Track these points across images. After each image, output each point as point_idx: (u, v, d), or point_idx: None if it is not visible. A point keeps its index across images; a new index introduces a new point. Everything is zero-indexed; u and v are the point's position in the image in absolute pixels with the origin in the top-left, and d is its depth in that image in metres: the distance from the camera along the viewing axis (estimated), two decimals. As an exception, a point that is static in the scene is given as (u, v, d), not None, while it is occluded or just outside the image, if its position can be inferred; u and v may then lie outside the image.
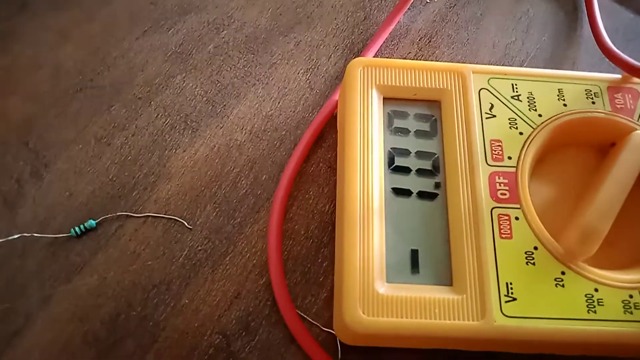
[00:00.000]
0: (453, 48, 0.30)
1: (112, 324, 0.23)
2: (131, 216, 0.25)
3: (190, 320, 0.23)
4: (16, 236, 0.24)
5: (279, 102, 0.28)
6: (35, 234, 0.24)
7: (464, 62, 0.30)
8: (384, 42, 0.29)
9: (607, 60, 0.27)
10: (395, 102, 0.24)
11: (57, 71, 0.28)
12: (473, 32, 0.31)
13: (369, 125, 0.23)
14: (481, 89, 0.24)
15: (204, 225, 0.25)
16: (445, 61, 0.29)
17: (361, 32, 0.30)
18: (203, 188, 0.26)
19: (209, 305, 0.24)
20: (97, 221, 0.25)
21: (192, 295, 0.24)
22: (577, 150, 0.25)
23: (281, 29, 0.30)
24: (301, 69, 0.29)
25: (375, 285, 0.20)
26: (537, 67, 0.30)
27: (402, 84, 0.24)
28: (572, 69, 0.30)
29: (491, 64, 0.30)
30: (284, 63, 0.29)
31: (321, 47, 0.30)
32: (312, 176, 0.26)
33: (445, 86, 0.24)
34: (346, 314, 0.20)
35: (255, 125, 0.27)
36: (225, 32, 0.30)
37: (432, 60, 0.29)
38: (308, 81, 0.29)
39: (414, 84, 0.24)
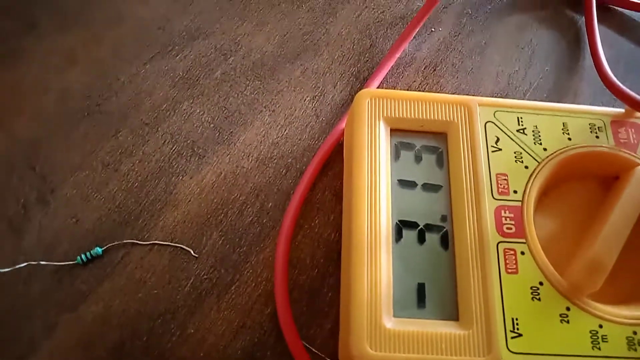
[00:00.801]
0: (457, 77, 0.30)
1: (117, 353, 0.23)
2: (137, 244, 0.25)
3: (196, 350, 0.23)
4: (22, 265, 0.24)
5: (285, 130, 0.28)
6: (41, 262, 0.24)
7: (468, 91, 0.30)
8: (389, 70, 0.30)
9: (608, 91, 0.28)
10: (402, 134, 0.25)
11: (64, 94, 0.28)
12: (477, 61, 0.31)
13: (376, 156, 0.23)
14: (487, 121, 0.25)
15: (210, 253, 0.25)
16: (450, 90, 0.30)
17: (367, 60, 0.30)
18: (209, 216, 0.26)
19: (214, 335, 0.24)
20: (103, 248, 0.25)
21: (197, 324, 0.24)
22: (580, 183, 0.25)
23: (288, 56, 0.30)
24: (307, 97, 0.29)
25: (382, 320, 0.20)
26: (540, 97, 0.30)
27: (409, 116, 0.24)
28: (574, 100, 0.30)
29: (494, 94, 0.30)
30: (291, 90, 0.29)
31: (327, 74, 0.30)
32: (318, 204, 0.26)
33: (452, 118, 0.25)
34: (353, 349, 0.20)
35: (262, 153, 0.27)
36: (232, 58, 0.30)
37: (436, 89, 0.30)
38: (314, 109, 0.29)
39: (420, 116, 0.24)
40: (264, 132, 0.28)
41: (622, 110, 0.26)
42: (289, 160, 0.27)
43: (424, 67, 0.30)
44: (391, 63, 0.30)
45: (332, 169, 0.27)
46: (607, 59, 0.29)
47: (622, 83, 0.27)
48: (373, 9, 0.32)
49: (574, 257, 0.22)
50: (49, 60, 0.29)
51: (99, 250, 0.24)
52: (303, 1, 0.32)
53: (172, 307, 0.24)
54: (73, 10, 0.31)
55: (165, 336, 0.23)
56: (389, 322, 0.20)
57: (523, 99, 0.30)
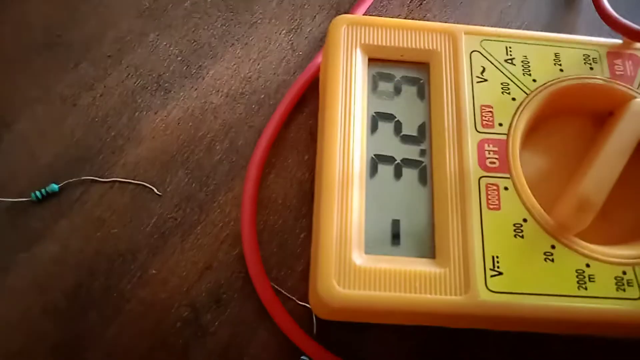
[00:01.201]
0: (445, 12, 0.28)
1: (74, 295, 0.22)
2: (97, 181, 0.23)
3: (158, 291, 0.22)
4: (-29, 199, 0.22)
5: (258, 64, 0.26)
6: (-8, 197, 0.23)
7: (457, 26, 0.28)
8: (372, 2, 0.28)
9: (607, 27, 0.26)
10: (381, 64, 0.23)
11: (21, 25, 0.26)
12: (467, -5, 0.29)
13: (352, 88, 0.22)
14: (473, 51, 0.23)
15: (175, 192, 0.23)
16: (437, 25, 0.28)
17: (349, -8, 0.28)
18: (175, 153, 0.24)
19: (177, 276, 0.22)
20: (60, 185, 0.23)
21: (160, 265, 0.22)
22: (573, 118, 0.23)
23: (263, -14, 0.28)
24: (283, 29, 0.27)
25: (352, 257, 0.19)
26: (534, 33, 0.28)
27: (388, 44, 0.23)
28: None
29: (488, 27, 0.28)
30: (265, 23, 0.27)
31: (305, 6, 0.28)
32: (292, 143, 0.25)
33: (435, 47, 0.23)
34: (320, 287, 0.19)
35: (233, 88, 0.26)
36: (203, -12, 0.28)
37: (422, 24, 0.28)
38: (290, 42, 0.27)
39: (401, 44, 0.23)
40: (235, 66, 0.26)
41: (619, 41, 0.24)
42: (262, 96, 0.26)
43: (409, 0, 0.28)
44: (374, -5, 0.28)
45: (308, 106, 0.26)
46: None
47: (624, 17, 0.25)
48: (357, -61, 0.30)
49: (562, 194, 0.21)
50: (7, -11, 0.27)
51: (54, 187, 0.23)
52: None
53: (133, 247, 0.22)
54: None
55: (125, 277, 0.22)
56: (360, 259, 0.19)
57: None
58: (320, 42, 0.27)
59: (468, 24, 0.28)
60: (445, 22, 0.28)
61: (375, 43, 0.23)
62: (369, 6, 0.28)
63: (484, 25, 0.28)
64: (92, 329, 0.21)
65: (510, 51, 0.23)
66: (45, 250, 0.22)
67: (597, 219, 0.20)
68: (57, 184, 0.23)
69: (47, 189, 0.23)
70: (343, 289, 0.18)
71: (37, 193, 0.23)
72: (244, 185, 0.23)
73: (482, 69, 0.22)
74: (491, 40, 0.23)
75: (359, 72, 0.22)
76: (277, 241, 0.23)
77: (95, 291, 0.22)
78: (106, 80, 0.25)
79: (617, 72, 0.23)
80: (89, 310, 0.21)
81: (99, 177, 0.23)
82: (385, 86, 0.22)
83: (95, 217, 0.23)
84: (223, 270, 0.22)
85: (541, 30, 0.28)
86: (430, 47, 0.23)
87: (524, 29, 0.28)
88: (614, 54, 0.23)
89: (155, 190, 0.23)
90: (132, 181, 0.23)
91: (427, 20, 0.28)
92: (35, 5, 0.27)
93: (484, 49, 0.23)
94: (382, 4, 0.28)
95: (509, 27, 0.28)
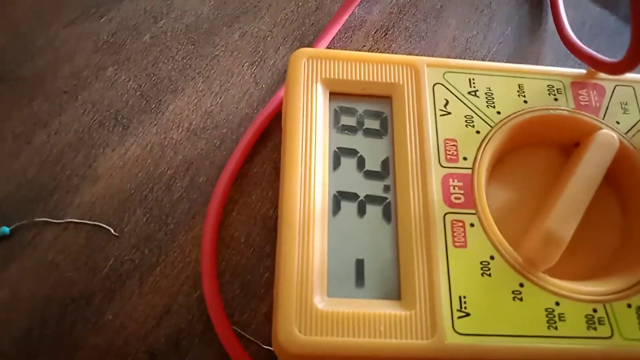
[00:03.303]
0: (411, 42, 0.28)
1: (24, 342, 0.21)
2: (50, 222, 0.22)
3: (113, 338, 0.21)
4: None
5: (220, 98, 0.26)
6: (-63, 243, 0.21)
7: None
8: (336, 34, 0.27)
9: (573, 56, 0.26)
10: (343, 98, 0.22)
11: (-26, 60, 0.26)
12: (432, 25, 0.29)
13: (313, 123, 0.21)
14: (436, 83, 0.22)
15: (133, 232, 0.23)
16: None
17: (312, 24, 0.28)
18: (133, 191, 0.23)
19: (135, 321, 0.21)
20: (11, 228, 0.22)
21: (116, 310, 0.21)
22: (538, 150, 0.23)
23: (225, 18, 0.28)
24: (246, 62, 0.27)
25: (313, 300, 0.18)
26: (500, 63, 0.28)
27: (350, 78, 0.22)
28: (536, 65, 0.28)
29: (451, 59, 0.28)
30: (228, 55, 0.27)
31: (268, 38, 0.27)
32: (256, 178, 0.24)
33: (397, 80, 0.22)
34: (280, 333, 0.18)
35: (194, 123, 0.25)
36: (163, 21, 0.27)
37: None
38: (253, 75, 0.26)
39: (363, 78, 0.22)
40: (196, 100, 0.25)
41: (583, 71, 0.24)
42: (224, 130, 0.25)
43: (374, 31, 0.28)
44: (338, 26, 0.27)
45: (272, 140, 0.25)
46: (571, 22, 0.27)
47: (588, 47, 0.25)
48: (321, -31, 0.30)
49: (529, 229, 0.20)
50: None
51: (5, 229, 0.22)
52: (245, -39, 0.30)
53: (87, 291, 0.21)
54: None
55: (78, 323, 0.21)
56: (321, 303, 0.18)
57: (481, 65, 0.28)
58: (284, 75, 0.27)
59: (433, 53, 0.28)
60: (411, 52, 0.28)
61: (336, 77, 0.22)
62: (333, 38, 0.27)
63: (450, 55, 0.28)
64: (43, 381, 0.20)
65: (474, 83, 0.23)
66: (-7, 297, 0.21)
67: (565, 253, 0.19)
68: (8, 226, 0.22)
69: (-3, 232, 0.22)
70: (304, 336, 0.18)
71: (-14, 237, 0.22)
72: (204, 224, 0.22)
73: (445, 101, 0.22)
74: (454, 72, 0.23)
75: (320, 106, 0.22)
76: (240, 282, 0.22)
77: (46, 338, 0.21)
78: (61, 116, 0.24)
79: (582, 103, 0.23)
80: (40, 358, 0.20)
81: (53, 219, 0.22)
82: (347, 121, 0.22)
83: (48, 260, 0.22)
84: (183, 314, 0.21)
85: (507, 59, 0.28)
86: (393, 80, 0.22)
87: (490, 58, 0.28)
88: (578, 84, 0.23)
89: (112, 230, 0.22)
90: (88, 222, 0.22)
91: (393, 51, 0.28)
92: (-11, 39, 0.26)
93: (447, 81, 0.22)
94: (346, 35, 0.28)
95: (475, 56, 0.28)
